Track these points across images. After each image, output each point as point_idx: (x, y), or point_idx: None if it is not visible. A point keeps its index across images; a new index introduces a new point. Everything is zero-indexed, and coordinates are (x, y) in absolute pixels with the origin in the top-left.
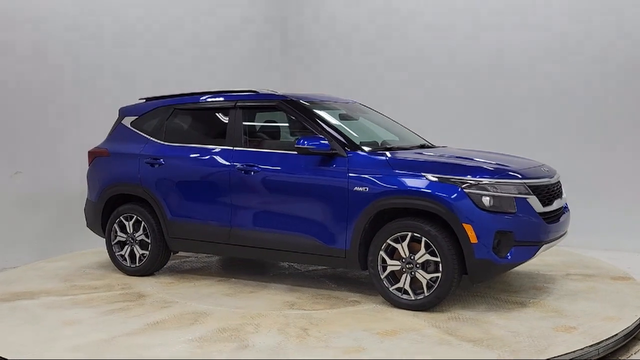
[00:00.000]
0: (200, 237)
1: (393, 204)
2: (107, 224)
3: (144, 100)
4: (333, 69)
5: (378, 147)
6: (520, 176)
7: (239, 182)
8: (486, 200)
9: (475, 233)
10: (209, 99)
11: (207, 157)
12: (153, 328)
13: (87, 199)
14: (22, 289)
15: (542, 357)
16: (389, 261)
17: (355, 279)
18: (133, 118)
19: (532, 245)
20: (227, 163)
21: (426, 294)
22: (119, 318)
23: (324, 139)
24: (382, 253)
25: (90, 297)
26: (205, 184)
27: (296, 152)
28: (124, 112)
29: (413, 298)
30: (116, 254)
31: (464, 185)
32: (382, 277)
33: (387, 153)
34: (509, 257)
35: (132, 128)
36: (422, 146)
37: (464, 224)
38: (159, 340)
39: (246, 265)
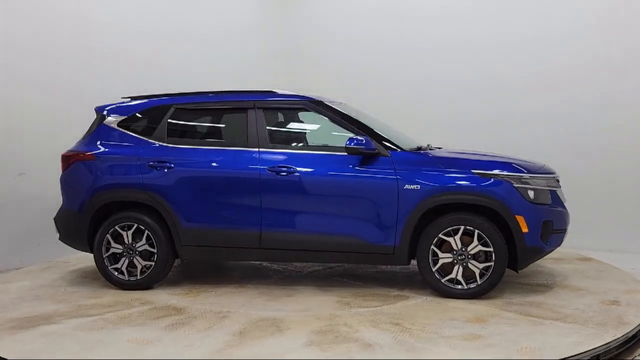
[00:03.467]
0: (223, 243)
1: (447, 200)
2: (98, 235)
3: (129, 100)
4: (321, 71)
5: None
6: (550, 171)
7: (271, 184)
8: (531, 193)
9: (526, 223)
10: (218, 99)
11: (228, 160)
12: (246, 338)
13: (63, 208)
14: (19, 314)
15: (629, 328)
16: (440, 254)
17: (367, 275)
18: (119, 118)
19: (562, 233)
20: (254, 165)
21: (479, 283)
22: (191, 333)
23: (368, 139)
24: (433, 247)
25: (120, 315)
26: (228, 187)
27: (346, 153)
28: (106, 111)
29: (466, 287)
30: (109, 267)
31: (512, 180)
32: (434, 270)
33: (428, 152)
34: (549, 244)
35: (120, 129)
36: (427, 146)
37: (516, 216)
38: (273, 348)
39: (239, 269)
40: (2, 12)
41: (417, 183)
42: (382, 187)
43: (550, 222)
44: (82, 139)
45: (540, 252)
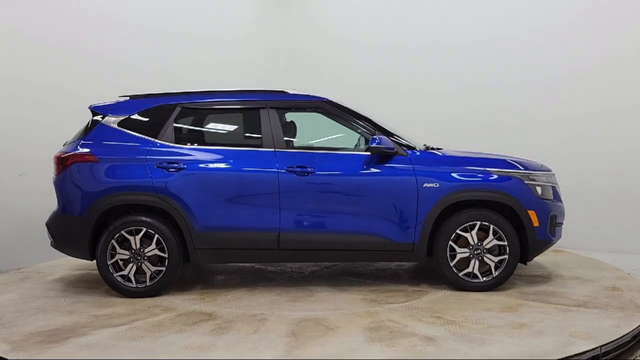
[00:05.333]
0: (239, 245)
1: (466, 197)
2: (101, 240)
3: (127, 98)
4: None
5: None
6: (548, 169)
7: (290, 184)
8: (539, 190)
9: (537, 218)
10: (228, 98)
11: (243, 160)
12: (303, 339)
13: (58, 213)
14: (36, 328)
15: None
16: (458, 249)
17: (369, 273)
18: (119, 118)
19: (561, 225)
20: (272, 165)
21: (494, 275)
22: (242, 336)
23: (387, 139)
24: (450, 242)
25: (149, 323)
26: (245, 188)
27: (369, 153)
28: (103, 110)
29: (482, 280)
30: (115, 275)
31: (522, 178)
32: (452, 265)
33: (443, 152)
34: (554, 236)
35: (121, 129)
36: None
37: (528, 211)
38: (337, 347)
39: (237, 271)
40: (2, 13)
41: (436, 181)
42: (402, 185)
43: (555, 215)
44: (77, 139)
45: (547, 244)
